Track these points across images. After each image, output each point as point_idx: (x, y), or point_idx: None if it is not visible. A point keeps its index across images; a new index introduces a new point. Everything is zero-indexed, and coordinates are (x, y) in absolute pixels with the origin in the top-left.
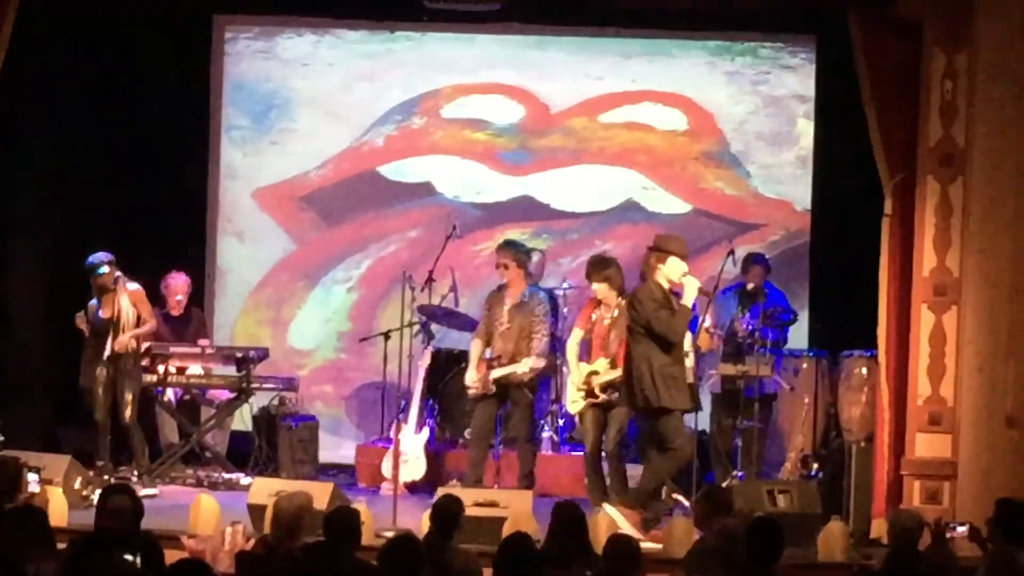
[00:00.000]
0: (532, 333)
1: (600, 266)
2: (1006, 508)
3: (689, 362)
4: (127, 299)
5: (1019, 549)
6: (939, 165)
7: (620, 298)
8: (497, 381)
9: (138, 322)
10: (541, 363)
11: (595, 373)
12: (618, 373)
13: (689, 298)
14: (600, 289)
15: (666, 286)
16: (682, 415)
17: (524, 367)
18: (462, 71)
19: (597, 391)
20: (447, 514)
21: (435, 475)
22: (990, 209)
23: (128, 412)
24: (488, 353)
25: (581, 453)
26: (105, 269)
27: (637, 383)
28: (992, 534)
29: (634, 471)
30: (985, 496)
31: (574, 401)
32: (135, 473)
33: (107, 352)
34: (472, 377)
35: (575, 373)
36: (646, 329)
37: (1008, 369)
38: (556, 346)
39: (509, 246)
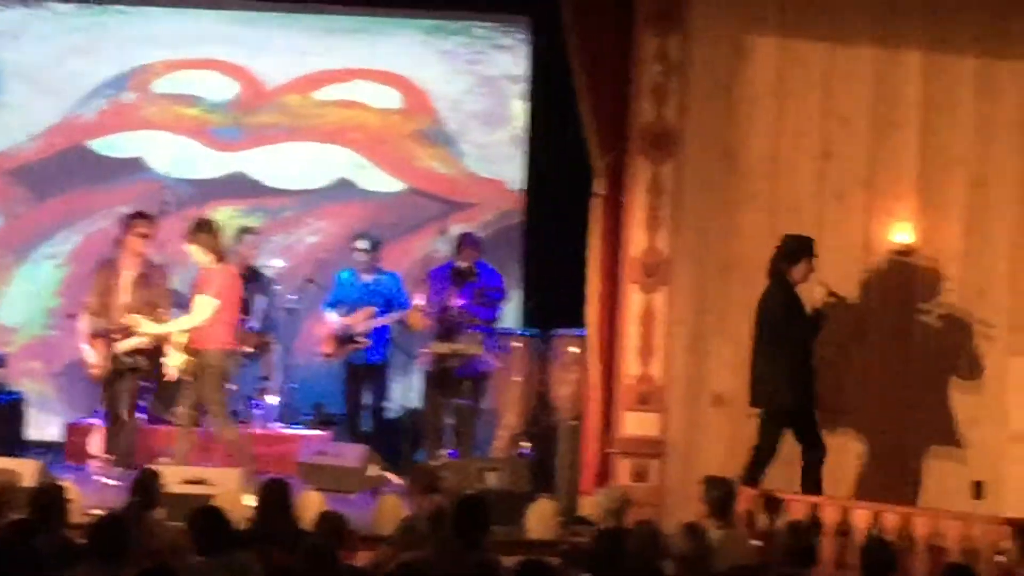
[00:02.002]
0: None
1: (195, 229)
2: (711, 485)
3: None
4: None
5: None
6: (650, 146)
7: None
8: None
9: None
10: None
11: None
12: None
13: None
14: (192, 251)
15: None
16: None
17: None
18: (175, 46)
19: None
20: (144, 487)
21: (147, 453)
22: (700, 190)
23: None
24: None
25: (293, 431)
26: None
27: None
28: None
29: None
30: (692, 474)
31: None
32: None
33: None
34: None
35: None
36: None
37: (716, 349)
38: (270, 325)
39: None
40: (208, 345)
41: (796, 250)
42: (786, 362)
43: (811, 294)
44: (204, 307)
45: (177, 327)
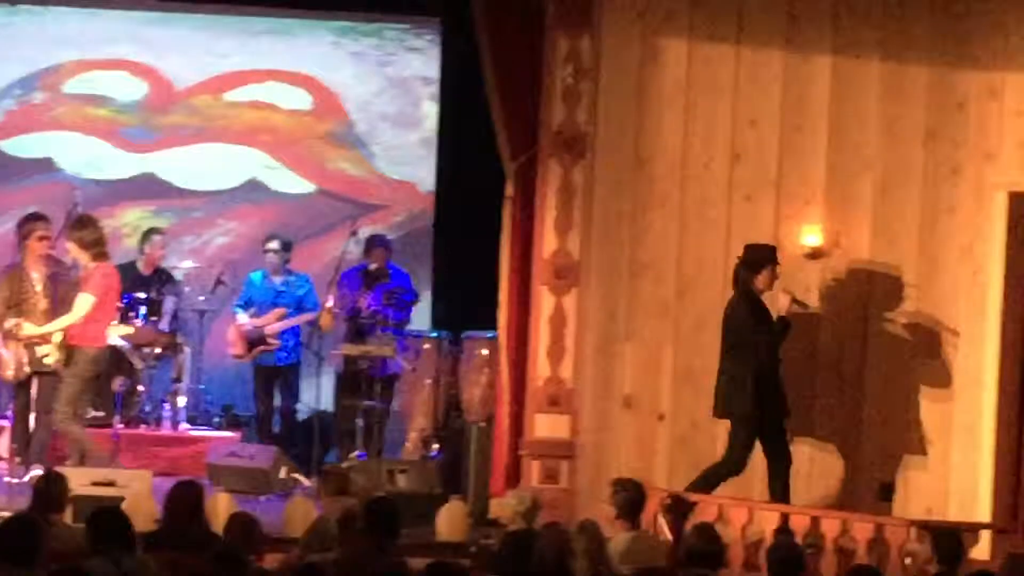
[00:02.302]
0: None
1: (74, 226)
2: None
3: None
4: None
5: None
6: (561, 149)
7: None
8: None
9: None
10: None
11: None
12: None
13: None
14: (71, 248)
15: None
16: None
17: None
18: (85, 46)
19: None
20: (47, 491)
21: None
22: (611, 192)
23: None
24: None
25: (203, 432)
26: None
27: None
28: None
29: None
30: (602, 476)
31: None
32: None
33: None
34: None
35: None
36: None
37: (626, 351)
38: (180, 326)
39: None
40: (81, 343)
41: (758, 259)
42: (751, 372)
43: (775, 302)
44: (82, 305)
45: (57, 326)
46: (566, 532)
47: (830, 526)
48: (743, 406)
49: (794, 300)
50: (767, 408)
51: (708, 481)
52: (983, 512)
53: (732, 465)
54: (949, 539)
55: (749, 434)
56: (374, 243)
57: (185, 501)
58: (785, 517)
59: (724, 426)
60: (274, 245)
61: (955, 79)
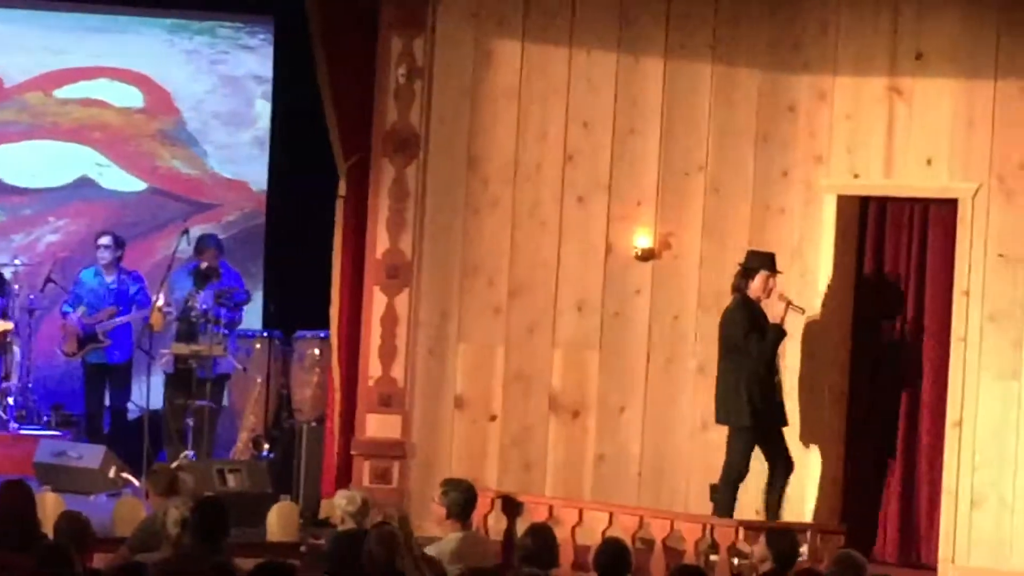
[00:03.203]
0: None
1: None
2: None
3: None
4: None
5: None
6: (394, 149)
7: None
8: None
9: None
10: None
11: None
12: None
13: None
14: None
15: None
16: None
17: None
18: None
19: None
20: None
21: None
22: (444, 193)
23: None
24: None
25: (32, 431)
26: None
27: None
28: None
29: None
30: (433, 476)
31: None
32: None
33: None
34: None
35: None
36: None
37: (458, 351)
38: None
39: None
40: None
41: (754, 265)
42: (746, 378)
43: (772, 308)
44: None
45: None
46: (397, 532)
47: (659, 526)
48: (738, 414)
49: (790, 306)
50: (760, 415)
51: (725, 496)
52: (809, 512)
53: (733, 472)
54: (783, 539)
55: (746, 441)
56: (205, 242)
57: (13, 501)
58: (613, 516)
59: (555, 426)
60: (106, 241)
61: (786, 82)
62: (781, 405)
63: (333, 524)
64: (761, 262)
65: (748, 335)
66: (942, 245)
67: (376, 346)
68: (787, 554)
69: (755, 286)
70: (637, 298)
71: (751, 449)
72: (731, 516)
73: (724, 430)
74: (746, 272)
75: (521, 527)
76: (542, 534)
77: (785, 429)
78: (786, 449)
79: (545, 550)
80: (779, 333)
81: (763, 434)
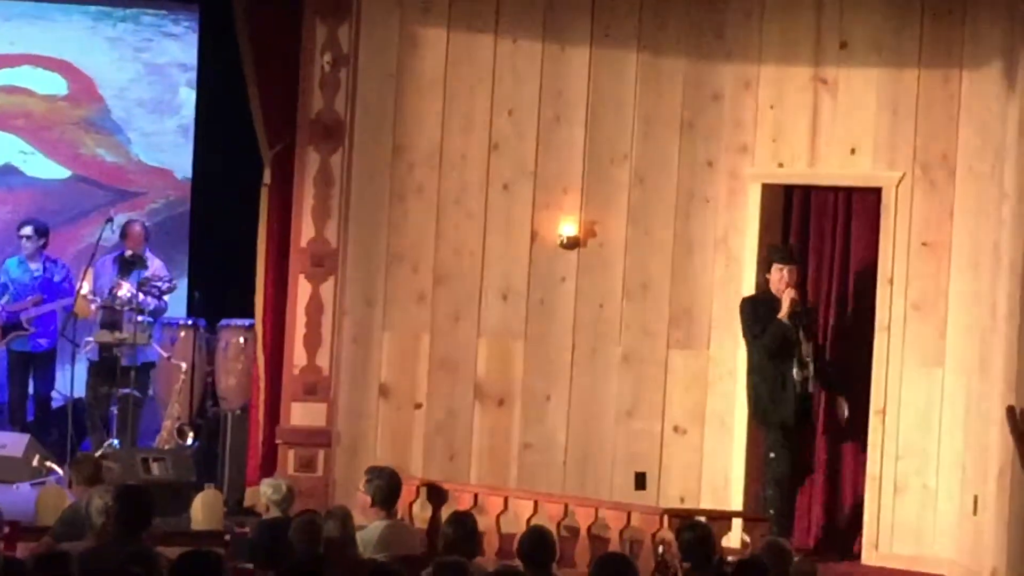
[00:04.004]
0: None
1: None
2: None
3: (797, 375)
4: None
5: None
6: (319, 137)
7: None
8: None
9: None
10: None
11: None
12: None
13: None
14: None
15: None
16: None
17: None
18: None
19: None
20: None
21: None
22: (369, 181)
23: None
24: None
25: None
26: None
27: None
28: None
29: None
30: (358, 464)
31: None
32: None
33: None
34: None
35: None
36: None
37: (383, 339)
38: None
39: None
40: None
41: (765, 257)
42: (761, 376)
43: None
44: None
45: None
46: (319, 520)
47: (584, 514)
48: (752, 409)
49: (793, 301)
50: (768, 413)
51: (770, 494)
52: (736, 500)
53: (768, 471)
54: (692, 530)
55: (768, 437)
56: (130, 230)
57: None
58: (538, 504)
59: (480, 414)
60: (28, 232)
61: (711, 71)
62: (795, 402)
63: (258, 512)
64: (772, 254)
65: (750, 329)
66: (866, 234)
67: (301, 334)
68: (696, 545)
69: (772, 279)
70: (562, 286)
71: (778, 444)
72: (782, 515)
73: (647, 418)
74: (762, 265)
75: (446, 515)
76: (463, 522)
77: (693, 414)
78: (804, 449)
79: (466, 539)
80: (778, 328)
81: (782, 431)
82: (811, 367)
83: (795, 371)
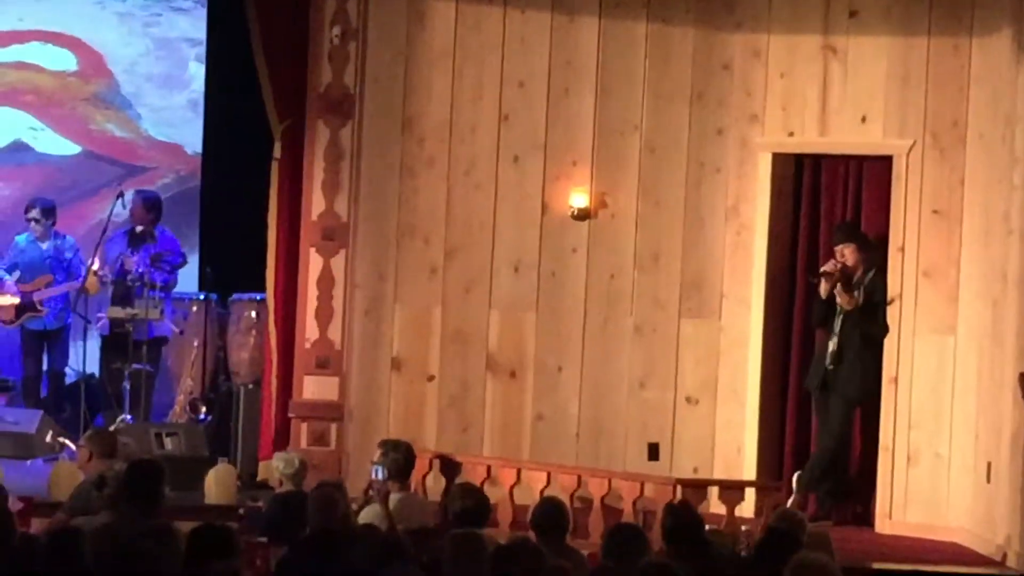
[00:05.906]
0: None
1: None
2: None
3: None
4: None
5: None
6: (328, 111)
7: None
8: None
9: None
10: None
11: None
12: None
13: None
14: None
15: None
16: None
17: None
18: None
19: None
20: None
21: None
22: (379, 154)
23: None
24: None
25: None
26: None
27: None
28: None
29: None
30: (371, 438)
31: None
32: None
33: None
34: None
35: None
36: None
37: (394, 312)
38: None
39: None
40: None
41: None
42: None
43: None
44: None
45: None
46: (335, 494)
47: (597, 485)
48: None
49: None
50: (808, 382)
51: (816, 459)
52: (748, 470)
53: (832, 441)
54: (676, 510)
55: (837, 408)
56: (141, 205)
57: None
58: (551, 475)
59: (492, 386)
60: (35, 214)
61: (720, 40)
62: (817, 372)
63: (271, 487)
64: (835, 232)
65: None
66: (877, 202)
67: (313, 308)
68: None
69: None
70: (573, 257)
71: (842, 412)
72: (819, 482)
73: (659, 389)
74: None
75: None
76: (474, 493)
77: (706, 385)
78: (826, 422)
79: (478, 509)
80: (818, 303)
81: (815, 401)
82: (836, 340)
83: (831, 341)
